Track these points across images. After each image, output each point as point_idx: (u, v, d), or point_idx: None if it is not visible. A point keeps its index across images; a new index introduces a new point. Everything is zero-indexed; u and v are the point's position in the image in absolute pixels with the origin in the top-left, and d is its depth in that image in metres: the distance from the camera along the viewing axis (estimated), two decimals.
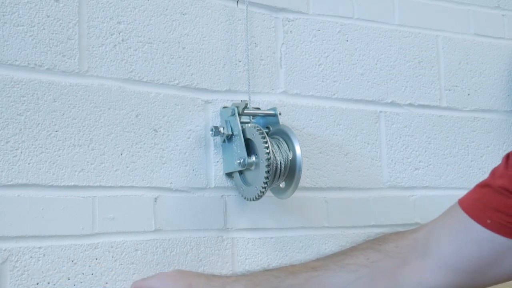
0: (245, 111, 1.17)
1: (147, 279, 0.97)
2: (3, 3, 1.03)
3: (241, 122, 1.16)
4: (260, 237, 1.21)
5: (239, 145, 1.15)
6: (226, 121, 1.18)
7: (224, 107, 1.19)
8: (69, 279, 1.04)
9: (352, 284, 0.84)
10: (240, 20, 1.25)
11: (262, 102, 1.24)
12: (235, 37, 1.24)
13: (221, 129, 1.17)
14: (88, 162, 1.07)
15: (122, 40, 1.13)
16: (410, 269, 0.85)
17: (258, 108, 1.22)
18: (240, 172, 1.17)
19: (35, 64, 1.05)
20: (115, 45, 1.12)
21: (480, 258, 0.84)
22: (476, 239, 0.84)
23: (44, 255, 1.02)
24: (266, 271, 0.92)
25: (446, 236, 0.86)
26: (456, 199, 0.93)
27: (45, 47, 1.06)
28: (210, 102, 1.20)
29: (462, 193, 0.94)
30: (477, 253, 0.84)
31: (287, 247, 1.24)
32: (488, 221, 0.83)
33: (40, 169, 1.03)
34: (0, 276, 0.99)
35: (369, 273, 0.84)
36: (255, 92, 1.23)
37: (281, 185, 1.17)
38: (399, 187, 1.37)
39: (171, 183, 1.14)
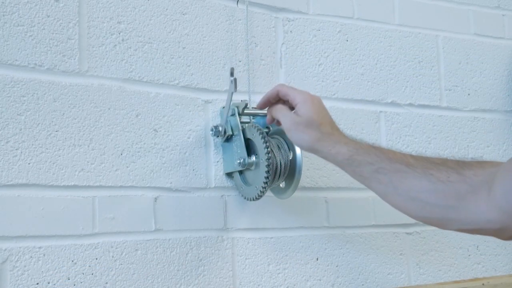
0: (245, 111, 1.17)
1: (292, 89, 1.08)
2: (3, 3, 1.03)
3: (241, 122, 1.16)
4: (260, 237, 1.21)
5: (239, 145, 1.15)
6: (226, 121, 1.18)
7: (224, 107, 1.19)
8: (69, 279, 1.04)
9: (427, 192, 0.94)
10: (240, 20, 1.25)
11: None
12: (235, 37, 1.24)
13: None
14: (88, 162, 1.07)
15: (122, 40, 1.13)
16: (476, 199, 0.91)
17: None
18: (240, 172, 1.17)
19: (35, 64, 1.05)
20: (115, 45, 1.12)
21: None
22: None
23: (44, 255, 1.02)
24: (371, 147, 1.01)
25: (503, 178, 0.89)
26: None
27: (45, 47, 1.06)
28: (210, 102, 1.20)
29: None
30: None
31: (287, 247, 1.23)
32: None
33: (40, 169, 1.03)
34: (0, 276, 0.99)
35: (444, 189, 0.93)
36: (255, 92, 1.23)
37: (281, 185, 1.17)
38: None
39: (171, 183, 1.14)
